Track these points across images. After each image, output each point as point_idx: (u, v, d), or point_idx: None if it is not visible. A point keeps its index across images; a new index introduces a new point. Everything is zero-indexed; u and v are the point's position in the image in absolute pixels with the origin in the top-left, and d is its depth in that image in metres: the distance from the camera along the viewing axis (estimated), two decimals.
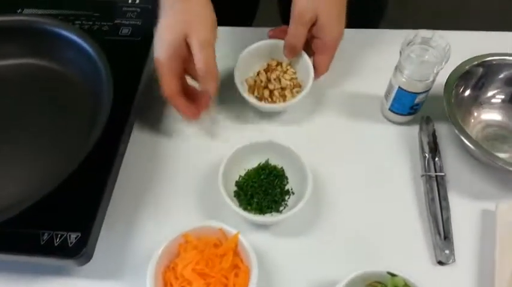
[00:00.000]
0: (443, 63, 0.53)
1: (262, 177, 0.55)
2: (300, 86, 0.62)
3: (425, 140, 0.59)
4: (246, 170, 0.56)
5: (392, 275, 0.45)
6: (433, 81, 0.56)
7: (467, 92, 0.61)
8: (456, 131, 0.54)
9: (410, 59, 0.54)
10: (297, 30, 0.58)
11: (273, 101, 0.61)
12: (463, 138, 0.54)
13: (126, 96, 0.56)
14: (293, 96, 0.61)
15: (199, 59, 0.52)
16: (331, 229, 0.54)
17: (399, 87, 0.57)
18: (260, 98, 0.62)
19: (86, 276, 0.51)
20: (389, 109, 0.61)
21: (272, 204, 0.53)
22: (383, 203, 0.56)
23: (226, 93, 0.63)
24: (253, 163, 0.57)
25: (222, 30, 0.57)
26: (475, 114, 0.62)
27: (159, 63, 0.53)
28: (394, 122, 0.62)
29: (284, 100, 0.61)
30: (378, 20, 0.85)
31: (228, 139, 0.61)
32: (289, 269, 0.51)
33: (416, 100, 0.57)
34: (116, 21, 0.64)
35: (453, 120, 0.55)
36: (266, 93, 0.62)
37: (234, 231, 0.48)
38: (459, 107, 0.60)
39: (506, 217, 0.52)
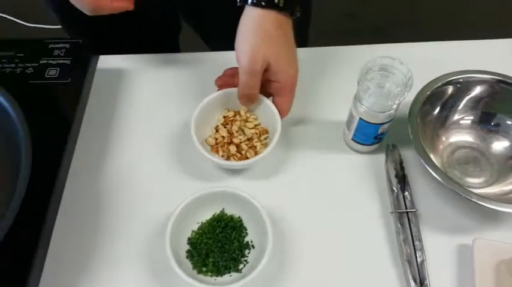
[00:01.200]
0: (406, 92, 0.48)
1: (217, 231, 0.49)
2: (266, 132, 0.56)
3: (392, 172, 0.54)
4: (200, 224, 0.50)
5: None
6: (397, 109, 0.51)
7: (435, 114, 0.57)
8: (424, 164, 0.50)
9: (369, 90, 0.49)
10: (250, 80, 0.53)
11: (243, 156, 0.55)
12: (433, 173, 0.49)
13: (51, 159, 0.49)
14: (263, 144, 0.55)
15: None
16: (297, 280, 0.49)
17: (360, 118, 0.52)
18: (227, 156, 0.55)
19: None
20: (352, 139, 0.56)
21: (230, 263, 0.47)
22: (351, 246, 0.51)
23: (184, 147, 0.57)
24: (207, 216, 0.51)
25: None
26: (444, 137, 0.58)
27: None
28: (359, 152, 0.58)
29: (255, 151, 0.54)
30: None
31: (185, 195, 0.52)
32: None
33: (380, 130, 0.53)
34: (41, 62, 0.57)
35: (419, 152, 0.51)
36: (233, 149, 0.55)
37: None
38: (426, 131, 0.55)
39: (484, 252, 0.48)
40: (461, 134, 0.58)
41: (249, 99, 0.55)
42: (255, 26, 0.51)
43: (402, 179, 0.54)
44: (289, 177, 0.56)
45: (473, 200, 0.47)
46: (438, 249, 0.50)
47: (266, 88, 0.55)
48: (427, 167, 0.49)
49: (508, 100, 0.57)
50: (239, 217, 0.51)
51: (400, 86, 0.49)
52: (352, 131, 0.55)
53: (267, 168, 0.56)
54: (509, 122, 0.57)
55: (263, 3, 0.49)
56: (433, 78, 0.56)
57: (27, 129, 0.44)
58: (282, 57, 0.52)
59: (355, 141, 0.56)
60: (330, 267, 0.50)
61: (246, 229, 0.50)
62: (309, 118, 0.61)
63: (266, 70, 0.52)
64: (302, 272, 0.49)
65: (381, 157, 0.56)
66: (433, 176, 0.50)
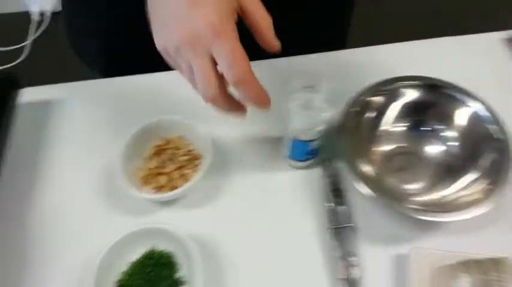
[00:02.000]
0: (332, 107, 0.47)
1: (148, 270, 0.47)
2: (200, 157, 0.54)
3: (328, 187, 0.53)
4: (130, 264, 0.48)
5: None
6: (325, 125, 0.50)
7: (366, 124, 0.56)
8: (352, 180, 0.49)
9: (295, 110, 0.48)
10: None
11: (174, 186, 0.52)
12: (358, 188, 0.49)
13: None
14: (195, 171, 0.53)
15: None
16: None
17: (292, 136, 0.51)
18: (159, 187, 0.53)
19: None
20: (289, 157, 0.55)
21: None
22: (289, 267, 0.49)
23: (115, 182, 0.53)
24: (138, 254, 0.48)
25: None
26: (378, 146, 0.57)
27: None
28: (297, 168, 0.56)
29: (186, 179, 0.52)
30: None
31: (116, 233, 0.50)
32: None
33: (311, 147, 0.52)
34: None
35: (349, 165, 0.50)
36: (163, 180, 0.53)
37: None
38: (359, 142, 0.54)
39: (420, 261, 0.48)
40: (395, 141, 0.57)
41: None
42: None
43: (339, 194, 0.53)
44: (225, 202, 0.54)
45: (408, 213, 0.47)
46: (376, 262, 0.49)
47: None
48: (354, 182, 0.49)
49: (439, 104, 0.56)
50: (170, 253, 0.49)
51: (325, 102, 0.48)
52: (288, 149, 0.54)
53: (202, 195, 0.54)
54: (442, 126, 0.57)
55: None
56: (361, 88, 0.55)
57: None
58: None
59: (292, 159, 0.55)
60: None
61: (177, 265, 0.48)
62: (247, 136, 0.59)
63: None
64: None
65: (319, 172, 0.56)
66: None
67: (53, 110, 0.62)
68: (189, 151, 0.55)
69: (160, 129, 0.55)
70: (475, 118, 0.55)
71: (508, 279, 0.45)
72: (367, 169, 0.52)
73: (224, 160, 0.57)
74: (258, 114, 0.58)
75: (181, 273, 0.48)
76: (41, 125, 0.60)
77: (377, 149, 0.57)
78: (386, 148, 0.57)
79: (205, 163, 0.51)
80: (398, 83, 0.56)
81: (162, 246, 0.49)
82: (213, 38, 0.38)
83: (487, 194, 0.48)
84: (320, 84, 0.48)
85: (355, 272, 0.48)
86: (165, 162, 0.54)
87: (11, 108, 0.58)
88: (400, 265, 0.49)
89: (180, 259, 0.48)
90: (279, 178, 0.56)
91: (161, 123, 0.55)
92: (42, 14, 1.87)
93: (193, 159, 0.54)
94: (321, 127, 0.50)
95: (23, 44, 1.82)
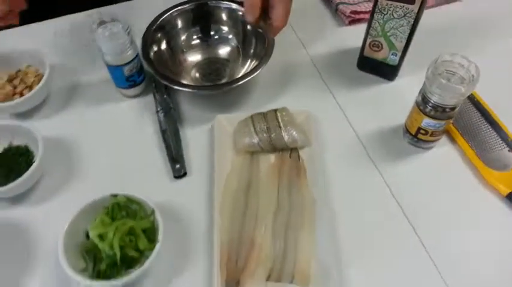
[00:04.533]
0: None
1: (6, 158, 0.59)
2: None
3: (156, 90, 0.68)
4: None
5: (114, 195, 0.52)
6: (134, 52, 0.64)
7: (164, 45, 0.71)
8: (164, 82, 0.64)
9: (100, 38, 0.61)
10: None
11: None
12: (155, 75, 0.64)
13: None
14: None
15: None
16: (81, 178, 0.60)
17: (106, 64, 0.64)
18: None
19: None
20: (116, 86, 0.68)
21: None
22: (128, 149, 0.64)
23: None
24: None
25: None
26: (185, 59, 0.72)
27: None
28: (128, 96, 0.69)
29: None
30: None
31: None
32: None
33: (126, 72, 0.64)
34: None
35: (155, 75, 0.64)
36: (17, 98, 0.64)
37: None
38: (166, 59, 0.70)
39: (220, 125, 0.63)
40: (196, 52, 0.74)
41: (252, 10, 0.61)
42: None
43: (164, 90, 0.68)
44: (73, 111, 0.68)
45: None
46: (195, 132, 0.65)
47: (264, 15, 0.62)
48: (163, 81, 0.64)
49: (216, 14, 0.73)
50: (27, 145, 0.61)
51: (125, 32, 0.62)
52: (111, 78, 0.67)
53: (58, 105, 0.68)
54: (223, 30, 0.74)
55: None
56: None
57: None
58: None
59: (118, 87, 0.68)
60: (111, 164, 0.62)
61: (33, 153, 0.61)
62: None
63: None
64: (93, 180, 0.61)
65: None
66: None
67: None
68: (37, 75, 0.67)
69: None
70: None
71: (287, 120, 0.61)
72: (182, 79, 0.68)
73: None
74: None
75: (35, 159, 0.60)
76: None
77: (186, 60, 0.72)
78: (192, 58, 0.73)
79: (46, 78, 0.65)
80: (183, 7, 0.72)
81: (18, 142, 0.61)
82: None
83: (257, 67, 0.65)
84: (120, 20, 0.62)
85: (176, 139, 0.62)
86: (17, 86, 0.66)
87: None
88: (211, 134, 0.64)
89: (34, 149, 0.60)
90: (116, 109, 0.68)
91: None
92: None
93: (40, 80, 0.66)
94: (128, 53, 0.63)
95: None
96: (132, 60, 0.64)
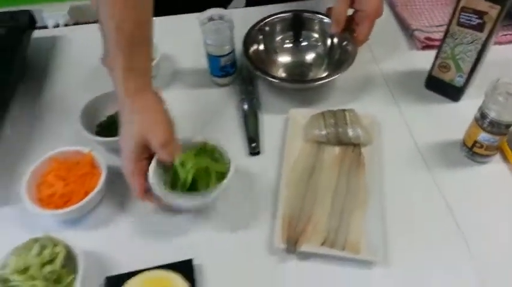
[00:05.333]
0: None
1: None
2: None
3: (243, 82, 0.80)
4: (107, 116, 0.73)
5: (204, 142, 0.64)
6: (231, 46, 0.76)
7: (262, 46, 0.83)
8: (257, 73, 0.75)
9: (206, 30, 0.74)
10: (340, 6, 0.74)
11: None
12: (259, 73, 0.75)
13: None
14: None
15: (163, 156, 0.59)
16: None
17: (207, 52, 0.76)
18: None
19: None
20: (210, 73, 0.80)
21: None
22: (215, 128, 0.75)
23: None
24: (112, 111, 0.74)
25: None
26: (276, 59, 0.84)
27: (127, 170, 0.59)
28: (220, 85, 0.81)
29: None
30: None
31: None
32: None
33: (223, 62, 0.76)
34: None
35: (251, 67, 0.76)
36: None
37: (87, 149, 0.64)
38: (261, 57, 0.81)
39: (294, 117, 0.73)
40: (286, 55, 0.85)
41: (337, 24, 0.75)
42: None
43: (249, 82, 0.79)
44: (173, 91, 0.80)
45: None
46: (271, 120, 0.75)
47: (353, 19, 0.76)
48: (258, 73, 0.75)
49: (309, 23, 0.84)
50: None
51: (230, 28, 0.74)
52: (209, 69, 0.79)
53: None
54: (313, 38, 0.85)
55: None
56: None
57: None
58: None
59: (211, 75, 0.80)
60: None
61: None
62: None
63: (353, 2, 0.73)
64: None
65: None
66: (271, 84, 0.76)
67: (62, 47, 0.90)
68: None
69: None
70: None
71: (353, 120, 0.70)
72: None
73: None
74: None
75: None
76: (49, 57, 0.88)
77: (277, 60, 0.84)
78: (283, 59, 0.84)
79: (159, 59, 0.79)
80: (279, 16, 0.84)
81: None
82: None
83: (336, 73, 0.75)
84: (228, 15, 0.74)
85: (254, 121, 0.73)
86: None
87: (25, 43, 0.84)
88: (285, 123, 0.74)
89: None
90: (207, 93, 0.81)
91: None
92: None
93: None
94: (229, 46, 0.75)
95: None
96: (229, 53, 0.76)
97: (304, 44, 0.85)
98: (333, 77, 0.74)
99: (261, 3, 0.95)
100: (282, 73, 0.82)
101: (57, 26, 2.19)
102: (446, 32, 0.69)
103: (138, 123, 0.57)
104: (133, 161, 0.58)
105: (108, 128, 0.71)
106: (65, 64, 0.86)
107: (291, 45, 0.85)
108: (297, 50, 0.85)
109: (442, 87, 0.76)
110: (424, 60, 0.80)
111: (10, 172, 0.68)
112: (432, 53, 0.76)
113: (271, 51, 0.84)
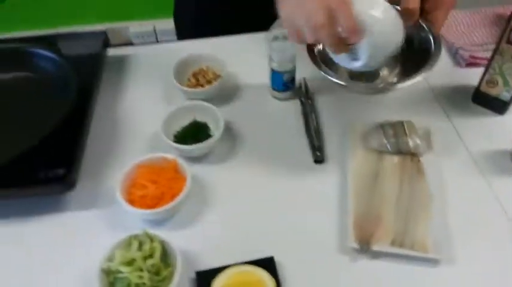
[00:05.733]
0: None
1: (193, 128, 0.79)
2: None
3: (302, 96, 0.86)
4: (181, 127, 0.80)
5: None
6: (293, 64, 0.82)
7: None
8: (322, 73, 0.76)
9: (272, 47, 0.80)
10: None
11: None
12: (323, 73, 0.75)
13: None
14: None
15: None
16: (240, 153, 0.78)
17: (271, 69, 0.83)
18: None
19: (73, 208, 0.71)
20: (271, 87, 0.86)
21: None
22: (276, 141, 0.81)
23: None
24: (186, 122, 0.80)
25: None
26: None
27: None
28: (278, 98, 0.87)
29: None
30: None
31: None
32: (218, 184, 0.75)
33: (285, 78, 0.83)
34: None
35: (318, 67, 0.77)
36: (200, 88, 0.86)
37: (172, 156, 0.71)
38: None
39: (354, 128, 0.79)
40: None
41: (412, 14, 0.67)
42: None
43: (306, 90, 0.86)
44: (235, 126, 0.87)
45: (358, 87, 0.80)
46: (332, 128, 0.81)
47: (424, 8, 0.69)
48: (323, 73, 0.76)
49: None
50: (206, 122, 0.80)
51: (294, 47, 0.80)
52: (270, 80, 0.85)
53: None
54: None
55: None
56: None
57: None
58: None
59: (272, 89, 0.86)
60: (262, 149, 0.79)
61: (210, 129, 0.80)
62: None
63: None
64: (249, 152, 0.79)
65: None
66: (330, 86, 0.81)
67: (131, 65, 0.97)
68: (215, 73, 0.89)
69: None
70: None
71: (412, 131, 0.75)
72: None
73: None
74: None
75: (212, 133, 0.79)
76: (122, 75, 0.95)
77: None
78: None
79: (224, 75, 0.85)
80: None
81: (200, 118, 0.81)
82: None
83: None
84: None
85: (317, 129, 0.79)
86: (199, 79, 0.88)
87: (103, 60, 0.92)
88: (347, 132, 0.80)
89: (212, 126, 0.80)
90: (267, 106, 0.87)
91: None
92: None
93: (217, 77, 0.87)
94: (292, 64, 0.81)
95: None
96: (292, 70, 0.83)
97: None
98: (415, 79, 0.72)
99: None
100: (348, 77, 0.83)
101: None
102: (496, 50, 0.75)
103: None
104: None
105: (183, 138, 0.77)
106: (135, 82, 0.93)
107: None
108: None
109: (488, 101, 0.82)
110: (468, 76, 0.87)
111: (96, 179, 0.75)
112: (475, 70, 0.83)
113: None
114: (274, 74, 0.84)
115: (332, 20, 0.59)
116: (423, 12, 0.70)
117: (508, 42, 0.73)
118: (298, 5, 0.61)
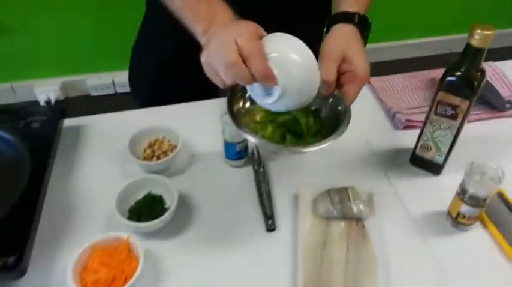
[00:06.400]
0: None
1: (148, 202, 0.80)
2: (176, 147, 0.90)
3: (255, 163, 0.90)
4: (136, 201, 0.81)
5: None
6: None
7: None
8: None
9: (224, 122, 0.84)
10: (330, 67, 0.71)
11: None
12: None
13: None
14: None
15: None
16: (201, 226, 0.80)
17: (224, 140, 0.87)
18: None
19: None
20: (226, 157, 0.90)
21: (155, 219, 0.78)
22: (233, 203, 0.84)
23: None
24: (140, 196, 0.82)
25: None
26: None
27: (248, 50, 0.63)
28: (235, 166, 0.91)
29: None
30: None
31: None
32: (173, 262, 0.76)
33: (238, 148, 0.87)
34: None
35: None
36: (155, 159, 0.89)
37: (126, 235, 0.72)
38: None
39: (303, 195, 0.83)
40: None
41: (329, 87, 0.71)
42: (340, 32, 0.75)
43: (258, 160, 0.90)
44: (191, 184, 0.90)
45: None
46: (282, 196, 0.85)
47: (339, 80, 0.73)
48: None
49: None
50: (161, 195, 0.82)
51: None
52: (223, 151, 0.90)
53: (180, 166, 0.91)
54: None
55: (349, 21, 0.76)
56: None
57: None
58: (358, 51, 0.73)
59: (227, 159, 0.90)
60: (216, 216, 0.82)
61: (165, 202, 0.82)
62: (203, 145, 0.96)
63: (344, 62, 0.72)
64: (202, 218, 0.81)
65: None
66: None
67: (87, 136, 0.99)
68: (170, 144, 0.91)
69: (152, 134, 0.92)
70: None
71: (355, 196, 0.81)
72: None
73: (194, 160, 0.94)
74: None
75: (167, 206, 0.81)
76: (77, 147, 0.96)
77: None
78: None
79: (177, 148, 0.88)
80: None
81: (155, 192, 0.83)
82: None
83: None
84: None
85: (268, 199, 0.83)
86: (155, 151, 0.90)
87: (59, 132, 0.94)
88: (296, 198, 0.84)
89: (167, 198, 0.82)
90: (223, 175, 0.90)
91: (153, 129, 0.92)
92: (48, 103, 2.29)
93: (172, 148, 0.90)
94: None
95: None
96: (244, 140, 0.87)
97: None
98: (334, 139, 0.75)
99: None
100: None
101: (49, 101, 2.28)
102: (426, 120, 0.83)
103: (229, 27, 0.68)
104: (255, 38, 0.64)
105: (138, 212, 0.79)
106: (91, 154, 0.95)
107: None
108: None
109: (425, 163, 0.89)
110: (406, 139, 0.94)
111: (48, 261, 0.74)
112: (413, 131, 0.91)
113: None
114: (227, 145, 0.88)
115: (243, 57, 0.63)
116: (338, 84, 0.74)
117: (437, 114, 0.81)
118: (215, 49, 0.66)
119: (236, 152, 0.88)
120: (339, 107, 0.80)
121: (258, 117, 0.83)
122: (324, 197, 0.81)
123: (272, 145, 0.79)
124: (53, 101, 2.28)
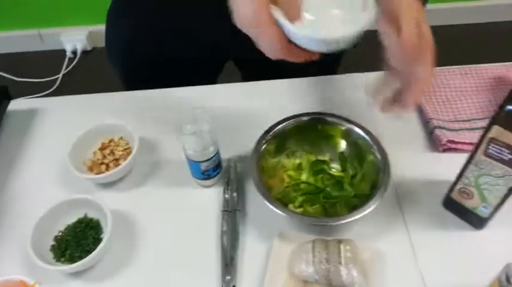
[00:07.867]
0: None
1: (78, 230, 0.63)
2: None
3: (227, 187, 0.68)
4: (66, 225, 0.65)
5: None
6: (215, 150, 0.66)
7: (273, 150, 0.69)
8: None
9: (186, 137, 0.63)
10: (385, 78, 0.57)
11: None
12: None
13: None
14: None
15: None
16: (142, 265, 0.62)
17: (186, 157, 0.66)
18: (100, 173, 0.70)
19: None
20: (192, 176, 0.69)
21: (84, 254, 0.61)
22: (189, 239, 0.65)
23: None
24: (74, 219, 0.65)
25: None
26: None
27: (257, 20, 0.49)
28: (203, 186, 0.71)
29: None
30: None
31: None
32: None
33: (203, 167, 0.66)
34: None
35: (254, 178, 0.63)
36: (103, 168, 0.70)
37: (32, 282, 0.55)
38: (267, 161, 0.68)
39: (279, 243, 0.62)
40: None
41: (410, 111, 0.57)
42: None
43: (235, 187, 0.68)
44: (146, 191, 0.71)
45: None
46: (253, 239, 0.64)
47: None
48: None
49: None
50: (98, 219, 0.65)
51: (210, 132, 0.63)
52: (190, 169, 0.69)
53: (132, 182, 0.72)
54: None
55: None
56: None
57: None
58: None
59: (194, 177, 0.69)
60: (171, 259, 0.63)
61: (102, 228, 0.64)
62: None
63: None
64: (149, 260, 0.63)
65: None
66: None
67: (37, 119, 0.82)
68: (126, 148, 0.72)
69: (104, 131, 0.73)
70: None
71: (350, 258, 0.58)
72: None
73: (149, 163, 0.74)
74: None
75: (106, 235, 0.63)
76: (25, 131, 0.80)
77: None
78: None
79: (131, 156, 0.69)
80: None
81: (93, 214, 0.65)
82: None
83: None
84: (207, 117, 0.63)
85: (232, 243, 0.62)
86: (106, 156, 0.71)
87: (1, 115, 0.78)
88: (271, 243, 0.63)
89: (103, 224, 0.64)
90: (191, 194, 0.70)
91: (104, 126, 0.73)
92: (74, 52, 2.17)
93: (128, 154, 0.71)
94: (209, 150, 0.64)
95: (55, 77, 2.11)
96: (211, 158, 0.65)
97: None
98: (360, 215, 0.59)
99: (259, 76, 0.85)
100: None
101: (75, 50, 2.16)
102: (470, 159, 0.56)
103: None
104: (265, 7, 0.48)
105: (64, 242, 0.62)
106: (34, 147, 0.78)
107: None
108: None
109: (462, 212, 0.63)
110: (446, 166, 0.65)
111: None
112: (457, 157, 0.61)
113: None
114: (190, 163, 0.67)
115: None
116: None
117: (486, 155, 0.54)
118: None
119: (202, 171, 0.67)
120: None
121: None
122: (305, 251, 0.59)
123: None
124: (79, 51, 2.16)
